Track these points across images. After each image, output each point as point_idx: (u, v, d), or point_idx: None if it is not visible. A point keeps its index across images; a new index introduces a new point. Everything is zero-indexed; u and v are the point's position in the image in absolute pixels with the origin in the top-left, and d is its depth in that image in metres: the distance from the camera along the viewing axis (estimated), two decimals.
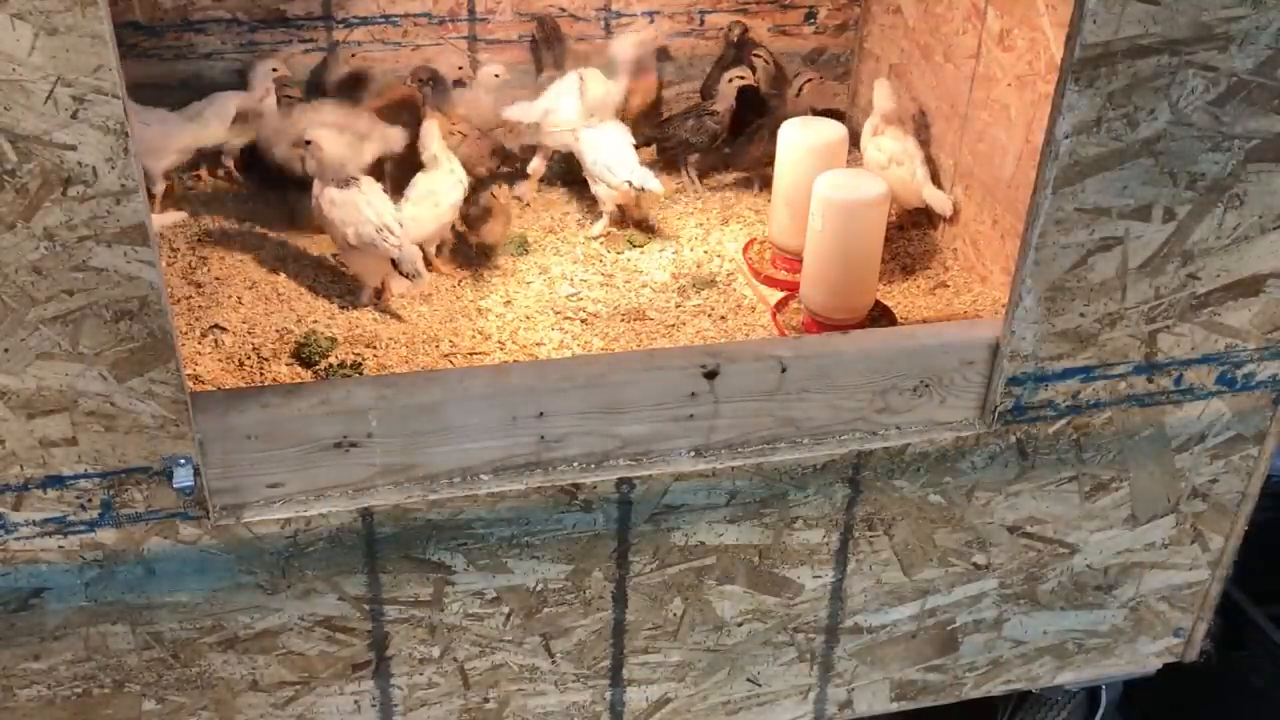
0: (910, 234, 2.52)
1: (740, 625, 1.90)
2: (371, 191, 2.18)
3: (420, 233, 2.25)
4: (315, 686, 1.77)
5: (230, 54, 2.56)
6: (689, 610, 1.86)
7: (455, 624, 1.77)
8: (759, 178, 2.66)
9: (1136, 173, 1.64)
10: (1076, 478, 1.91)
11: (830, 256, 2.10)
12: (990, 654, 2.08)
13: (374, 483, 1.63)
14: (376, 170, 2.35)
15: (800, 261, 2.22)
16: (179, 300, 2.20)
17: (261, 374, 2.03)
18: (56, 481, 1.50)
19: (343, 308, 2.21)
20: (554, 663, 1.85)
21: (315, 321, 2.18)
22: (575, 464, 1.69)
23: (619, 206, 2.47)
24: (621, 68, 2.58)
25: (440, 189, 2.29)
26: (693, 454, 1.73)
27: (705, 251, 2.45)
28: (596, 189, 2.45)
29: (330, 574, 1.67)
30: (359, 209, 2.14)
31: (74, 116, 1.29)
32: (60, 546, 1.55)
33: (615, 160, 2.40)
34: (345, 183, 2.16)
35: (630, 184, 2.37)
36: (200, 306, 2.20)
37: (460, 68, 2.61)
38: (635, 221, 2.49)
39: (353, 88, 2.55)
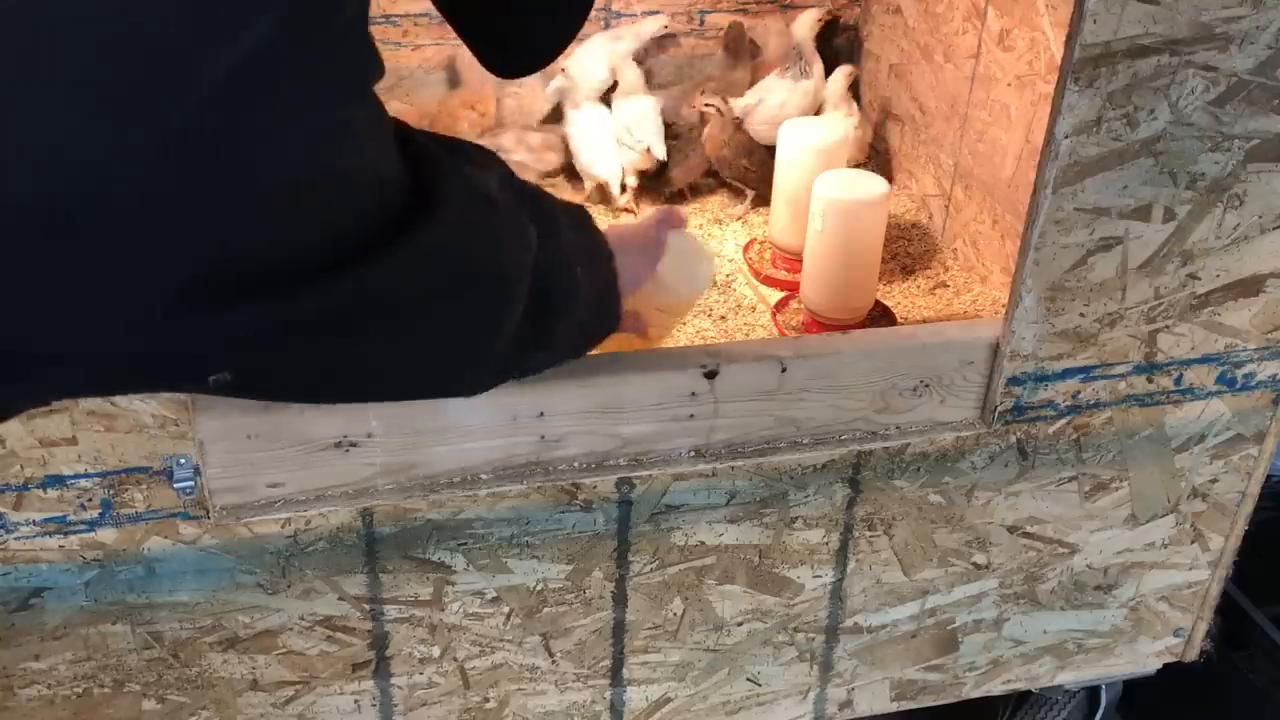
0: (910, 234, 2.52)
1: (740, 625, 1.90)
2: None
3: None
4: (315, 686, 1.77)
5: None
6: (689, 610, 1.86)
7: (455, 624, 1.77)
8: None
9: (1136, 173, 1.64)
10: (1076, 478, 1.90)
11: (830, 256, 2.10)
12: (990, 654, 2.08)
13: (374, 483, 1.63)
14: None
15: (800, 261, 2.22)
16: None
17: None
18: (56, 481, 1.50)
19: None
20: (554, 662, 1.85)
21: None
22: (575, 464, 1.69)
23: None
24: (807, 50, 2.48)
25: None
26: (693, 454, 1.73)
27: None
28: None
29: (330, 574, 1.67)
30: None
31: None
32: (60, 546, 1.55)
33: (595, 154, 2.43)
34: None
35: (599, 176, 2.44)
36: None
37: None
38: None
39: None
